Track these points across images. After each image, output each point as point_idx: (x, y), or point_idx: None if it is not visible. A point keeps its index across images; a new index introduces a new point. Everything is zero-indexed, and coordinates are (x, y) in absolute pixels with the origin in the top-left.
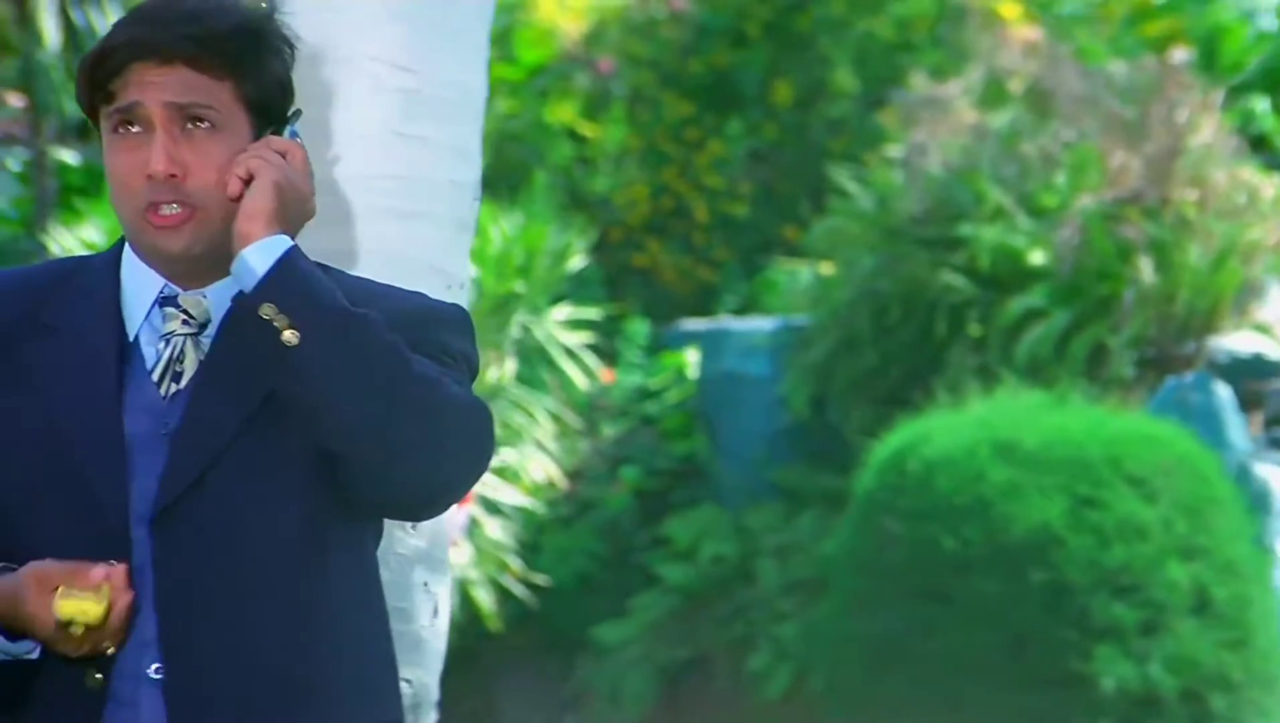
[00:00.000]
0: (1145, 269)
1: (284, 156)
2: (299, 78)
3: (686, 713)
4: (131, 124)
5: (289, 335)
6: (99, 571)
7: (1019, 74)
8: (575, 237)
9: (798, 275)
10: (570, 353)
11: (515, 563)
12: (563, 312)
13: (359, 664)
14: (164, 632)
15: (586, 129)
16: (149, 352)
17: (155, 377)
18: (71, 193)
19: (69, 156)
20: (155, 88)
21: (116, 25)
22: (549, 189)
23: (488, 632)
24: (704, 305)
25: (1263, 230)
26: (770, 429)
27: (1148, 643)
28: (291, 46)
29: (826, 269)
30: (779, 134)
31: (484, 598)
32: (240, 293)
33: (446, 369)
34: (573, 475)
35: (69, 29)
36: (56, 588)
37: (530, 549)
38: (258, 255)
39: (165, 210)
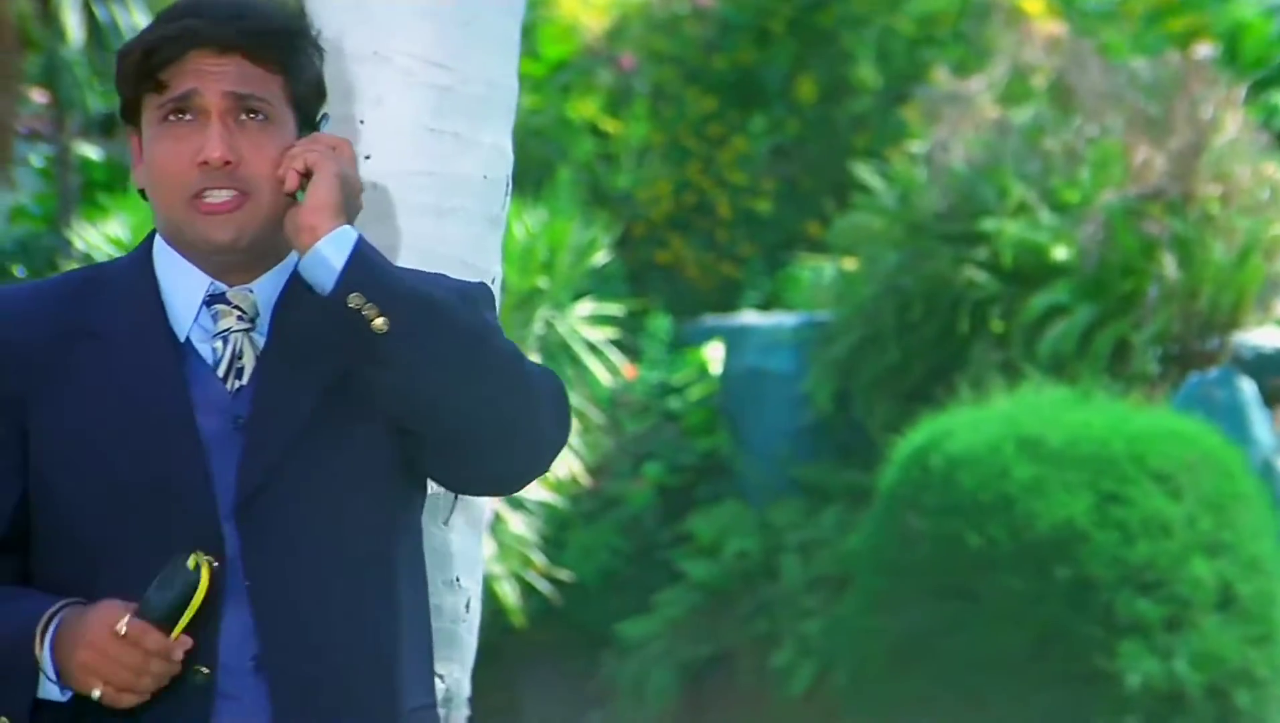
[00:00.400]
0: (1169, 265)
1: (334, 151)
2: (331, 74)
3: (710, 709)
4: (184, 113)
5: (379, 323)
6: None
7: (1042, 70)
8: (598, 232)
9: (821, 271)
10: (593, 349)
11: (539, 559)
12: (586, 307)
13: (414, 646)
14: (259, 621)
15: (609, 125)
16: (204, 350)
17: (220, 374)
18: (95, 188)
19: (92, 152)
20: (214, 77)
21: (164, 17)
22: (572, 185)
23: (511, 627)
24: (727, 301)
25: None
26: (793, 425)
27: (1172, 639)
28: (321, 50)
29: (849, 265)
30: (802, 130)
31: (508, 593)
32: (288, 284)
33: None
34: (596, 471)
35: (92, 25)
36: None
37: (553, 545)
38: (332, 247)
39: (215, 196)
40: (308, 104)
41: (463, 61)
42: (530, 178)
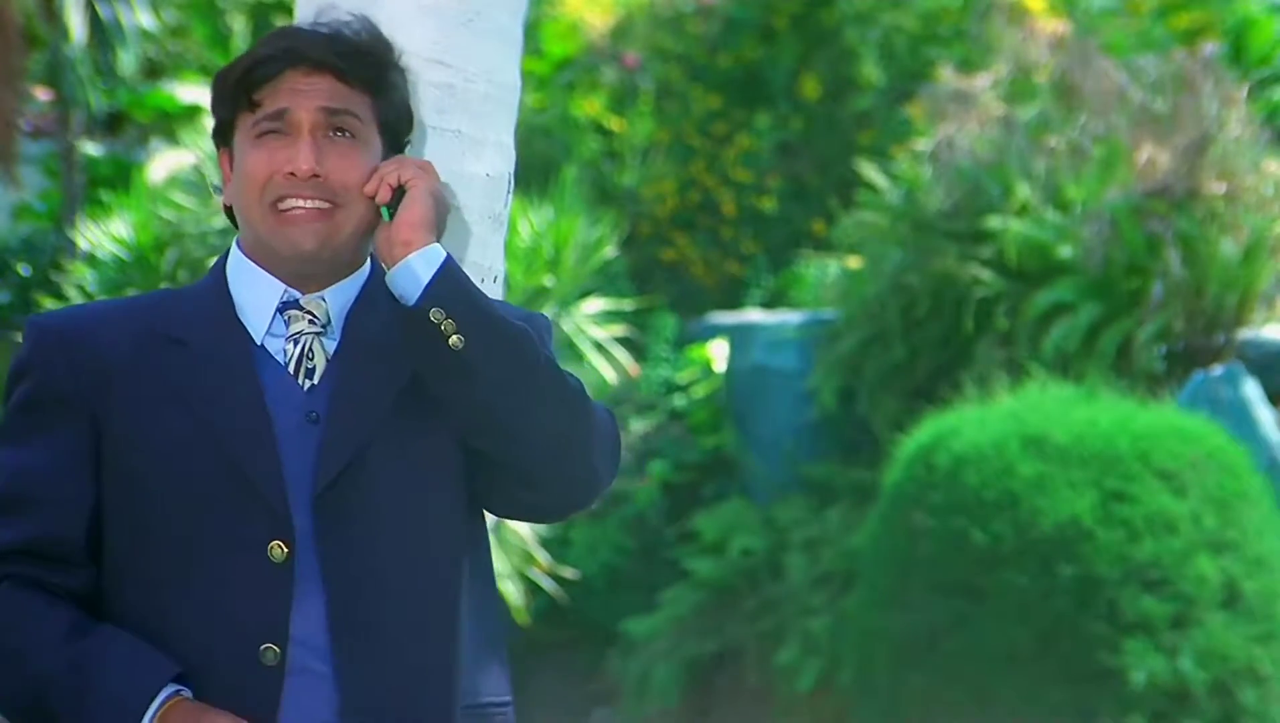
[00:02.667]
0: (1174, 262)
1: (425, 170)
2: None
3: (715, 707)
4: (277, 131)
5: (455, 340)
6: None
7: (1046, 68)
8: (603, 231)
9: (826, 269)
10: (599, 347)
11: (543, 557)
12: (592, 306)
13: (483, 644)
14: (331, 603)
15: (613, 123)
16: (277, 352)
17: (291, 371)
18: (99, 186)
19: (96, 150)
20: (306, 95)
21: (262, 42)
22: (577, 183)
23: (516, 625)
24: (732, 299)
25: None
26: (798, 423)
27: (1177, 637)
28: (405, 75)
29: (854, 263)
30: (807, 127)
31: (512, 592)
32: (362, 291)
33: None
34: None
35: (95, 23)
36: None
37: (558, 543)
38: (421, 262)
39: (299, 204)
40: (395, 126)
41: (465, 59)
42: (535, 176)
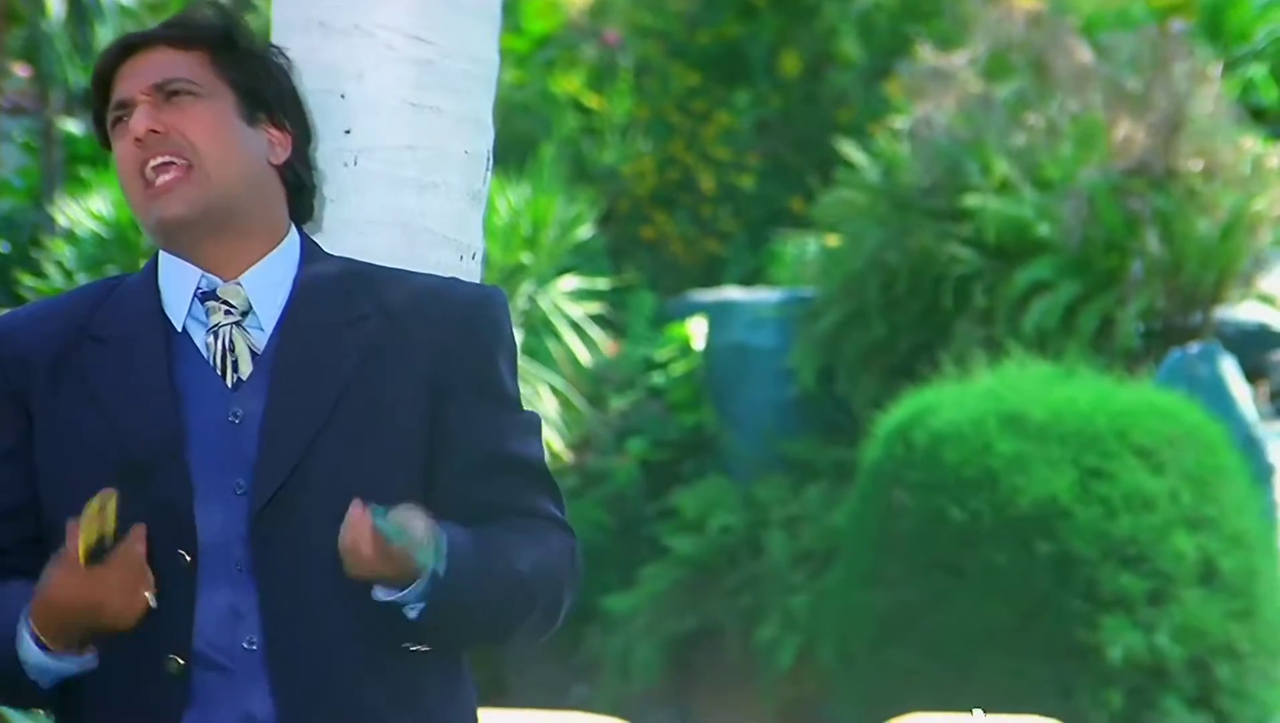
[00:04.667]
0: (1151, 241)
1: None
2: (313, 48)
3: (695, 683)
4: (124, 118)
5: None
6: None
7: (1023, 45)
8: (582, 208)
9: (805, 247)
10: (574, 325)
11: None
12: (569, 283)
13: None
14: (266, 614)
15: (593, 100)
16: (199, 345)
17: (215, 368)
18: (78, 163)
19: (75, 127)
20: (139, 76)
21: (119, 38)
22: (555, 161)
23: None
24: (711, 277)
25: (1267, 201)
26: (777, 401)
27: (1155, 613)
28: (253, 37)
29: (833, 241)
30: (786, 105)
31: None
32: (298, 283)
33: (515, 416)
34: (579, 447)
35: (74, 1)
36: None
37: None
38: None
39: (159, 173)
40: (249, 84)
41: (444, 35)
42: (514, 153)
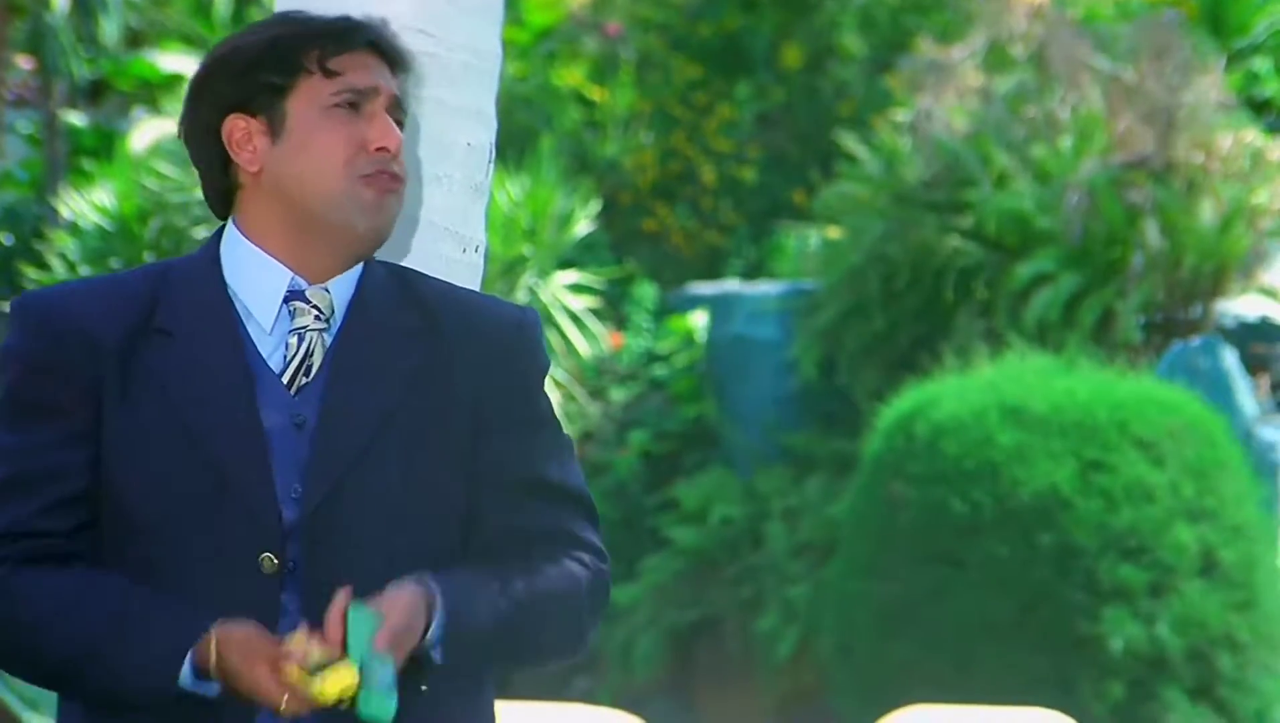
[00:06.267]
0: (1152, 234)
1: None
2: None
3: (696, 674)
4: (354, 105)
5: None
6: (318, 642)
7: (1023, 38)
8: (583, 201)
9: (806, 240)
10: (576, 318)
11: None
12: (570, 276)
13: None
14: (308, 609)
15: (594, 93)
16: (273, 346)
17: (289, 371)
18: (81, 155)
19: (78, 119)
20: (379, 78)
21: (304, 18)
22: (556, 153)
23: None
24: (712, 269)
25: (1268, 194)
26: (779, 393)
27: (1155, 604)
28: None
29: (835, 234)
30: (787, 97)
31: None
32: (359, 288)
33: (552, 440)
34: (581, 439)
35: None
36: (276, 664)
37: None
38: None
39: (390, 185)
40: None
41: (446, 28)
42: (514, 146)
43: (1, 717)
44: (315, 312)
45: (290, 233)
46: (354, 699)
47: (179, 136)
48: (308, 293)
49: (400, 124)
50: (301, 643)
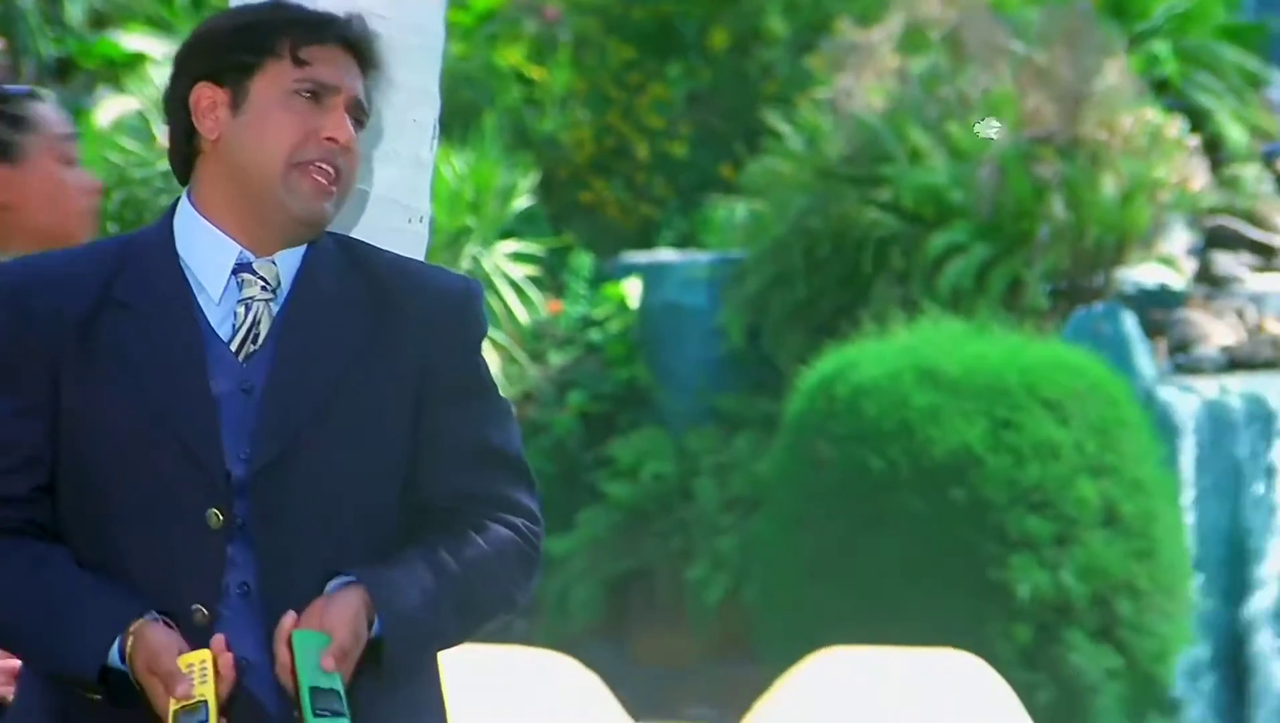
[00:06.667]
0: (1058, 206)
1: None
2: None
3: (630, 620)
4: (315, 95)
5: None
6: (184, 675)
7: (938, 21)
8: (523, 175)
9: (733, 212)
10: (516, 285)
11: None
12: (510, 246)
13: None
14: (262, 579)
15: (534, 72)
16: (222, 316)
17: (237, 340)
18: None
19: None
20: (350, 77)
21: (290, 6)
22: (498, 130)
23: None
24: (645, 240)
25: (1166, 169)
26: (707, 357)
27: (1060, 554)
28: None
29: (760, 207)
30: (715, 77)
31: None
32: (306, 259)
33: (493, 406)
34: (522, 399)
35: None
36: (167, 681)
37: None
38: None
39: (328, 169)
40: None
41: (395, 9)
42: (458, 122)
43: None
44: (262, 283)
45: (237, 205)
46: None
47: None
48: (255, 265)
49: (360, 124)
50: (193, 660)
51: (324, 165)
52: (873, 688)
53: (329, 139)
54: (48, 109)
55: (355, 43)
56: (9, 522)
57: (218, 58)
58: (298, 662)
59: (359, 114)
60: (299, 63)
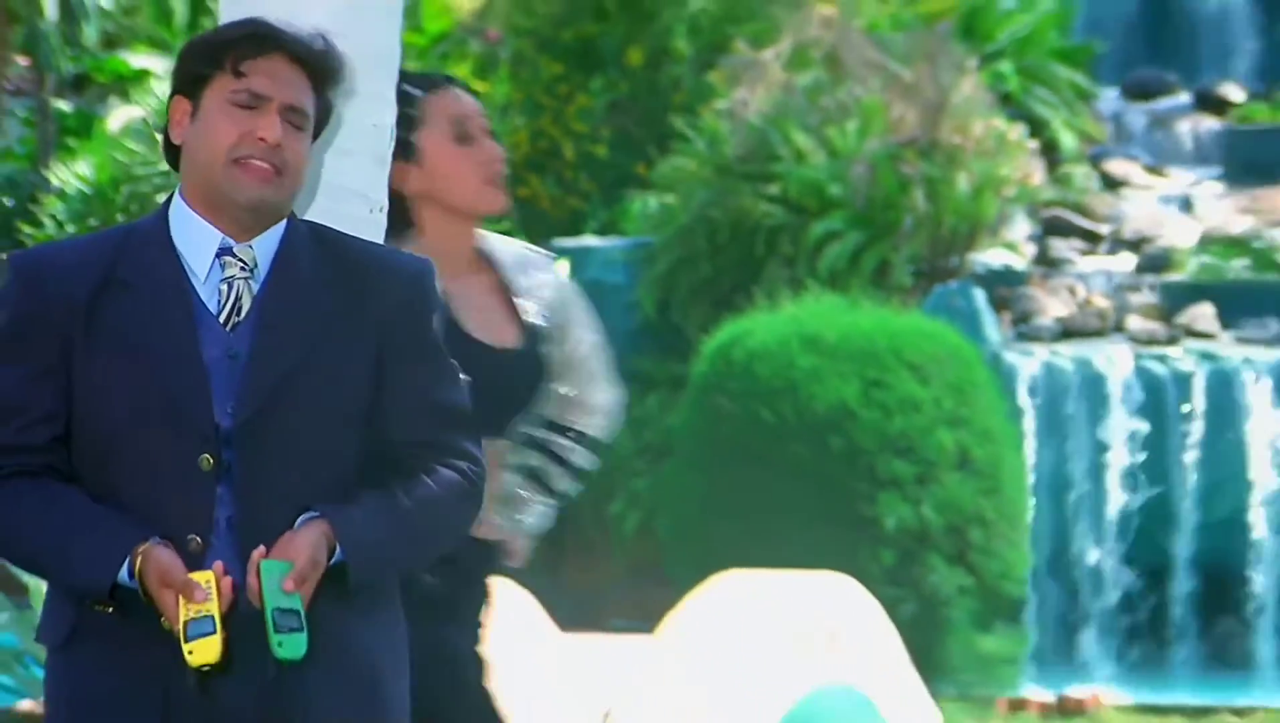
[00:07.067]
0: (920, 200)
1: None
2: None
3: (562, 550)
4: (251, 105)
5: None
6: (202, 587)
7: (819, 42)
8: None
9: (647, 204)
10: None
11: None
12: None
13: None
14: (242, 516)
15: (479, 85)
16: (209, 292)
17: (224, 313)
18: (67, 134)
19: (65, 106)
20: (283, 86)
21: (246, 23)
22: None
23: None
24: (573, 228)
25: (1010, 168)
26: (625, 327)
27: (921, 491)
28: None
29: (669, 199)
30: (631, 90)
31: None
32: (284, 242)
33: (442, 367)
34: None
35: (63, 3)
36: (178, 595)
37: None
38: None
39: (259, 162)
40: (323, 120)
41: (357, 31)
42: None
43: (9, 583)
44: (241, 264)
45: (204, 198)
46: (226, 664)
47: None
48: (235, 250)
49: (298, 126)
50: (199, 579)
51: (258, 161)
52: (764, 604)
53: (260, 138)
54: (442, 96)
55: (301, 57)
56: (30, 465)
57: (182, 74)
58: (264, 587)
59: (294, 118)
60: (238, 75)
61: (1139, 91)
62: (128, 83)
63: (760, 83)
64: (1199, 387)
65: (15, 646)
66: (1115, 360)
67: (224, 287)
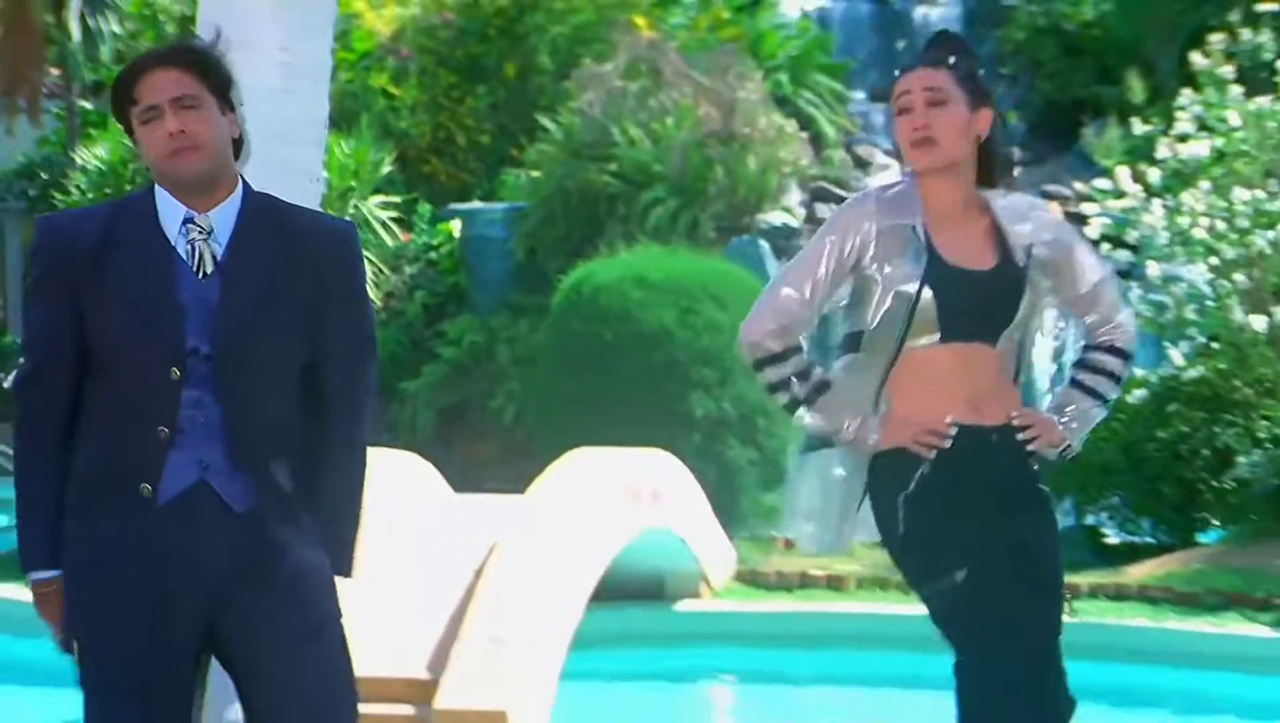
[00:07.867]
0: (721, 175)
1: None
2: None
3: (455, 435)
4: (151, 119)
5: None
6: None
7: (646, 59)
8: (387, 155)
9: (520, 178)
10: (382, 223)
11: None
12: (379, 199)
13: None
14: (226, 407)
15: (395, 90)
16: (183, 251)
17: (194, 266)
18: (89, 127)
19: (87, 105)
20: (166, 88)
21: (132, 60)
22: (370, 126)
23: None
24: (464, 196)
25: (787, 152)
26: (503, 269)
27: (721, 391)
28: (225, 58)
29: (536, 175)
30: (508, 95)
31: None
32: (243, 212)
33: (367, 309)
34: (386, 296)
35: (86, 29)
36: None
37: None
38: None
39: (181, 148)
40: (223, 89)
41: (299, 46)
42: (344, 121)
43: None
44: (199, 230)
45: (165, 183)
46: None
47: None
48: (195, 219)
49: (194, 107)
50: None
51: (180, 147)
52: (605, 472)
53: (169, 134)
54: None
55: (170, 60)
56: (47, 409)
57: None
58: None
59: (186, 102)
60: (135, 101)
61: (880, 95)
62: None
63: (602, 89)
64: None
65: None
66: None
67: (189, 247)
